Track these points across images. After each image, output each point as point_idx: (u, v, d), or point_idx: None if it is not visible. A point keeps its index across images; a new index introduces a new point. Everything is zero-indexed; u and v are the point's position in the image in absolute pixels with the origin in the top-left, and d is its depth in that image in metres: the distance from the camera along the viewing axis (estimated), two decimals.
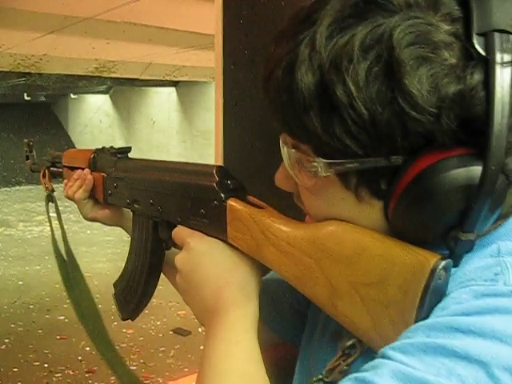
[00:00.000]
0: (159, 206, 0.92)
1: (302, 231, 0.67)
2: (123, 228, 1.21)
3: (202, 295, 0.75)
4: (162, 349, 4.84)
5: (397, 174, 0.56)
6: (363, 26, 0.53)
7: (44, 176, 1.40)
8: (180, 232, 0.83)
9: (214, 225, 0.78)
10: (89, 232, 8.64)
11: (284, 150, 0.66)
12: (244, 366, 0.63)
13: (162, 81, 11.33)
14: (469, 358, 0.47)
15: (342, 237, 0.62)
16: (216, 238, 0.77)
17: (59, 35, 5.98)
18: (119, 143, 15.03)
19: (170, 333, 5.19)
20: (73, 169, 1.26)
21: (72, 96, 16.27)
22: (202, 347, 0.71)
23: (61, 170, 1.34)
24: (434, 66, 0.51)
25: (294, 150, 0.64)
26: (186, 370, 4.28)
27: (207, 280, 0.74)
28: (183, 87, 12.55)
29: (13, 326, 5.29)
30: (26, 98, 14.78)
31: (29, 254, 7.83)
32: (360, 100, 0.53)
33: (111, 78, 10.39)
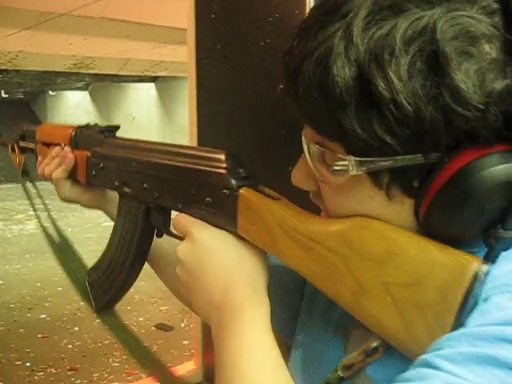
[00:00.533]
0: (155, 191, 0.85)
1: (326, 226, 0.63)
2: (104, 211, 1.13)
3: (207, 290, 0.70)
4: (144, 344, 4.83)
5: (433, 172, 0.54)
6: (403, 18, 0.51)
7: (13, 150, 1.29)
8: (182, 221, 0.77)
9: (222, 215, 0.72)
10: (70, 230, 8.57)
11: (309, 148, 0.63)
12: (272, 372, 0.59)
13: (140, 76, 11.27)
14: None
15: (373, 234, 0.59)
16: (222, 228, 0.73)
17: (35, 31, 5.92)
18: None
19: (153, 328, 5.18)
20: (49, 145, 1.15)
21: (50, 93, 16.10)
22: (185, 342, 0.68)
23: (32, 145, 1.23)
24: (478, 61, 0.50)
25: (318, 147, 0.61)
26: (169, 365, 4.28)
27: (214, 275, 0.70)
28: (162, 82, 12.49)
29: None
30: (4, 95, 14.61)
31: (9, 252, 7.75)
32: (403, 95, 0.51)
33: (89, 74, 10.30)
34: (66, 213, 9.51)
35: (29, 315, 5.50)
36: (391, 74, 0.51)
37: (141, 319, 5.31)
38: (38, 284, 6.01)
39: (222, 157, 0.73)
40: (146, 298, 5.51)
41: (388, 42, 0.51)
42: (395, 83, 0.51)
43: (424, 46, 0.51)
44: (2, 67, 8.29)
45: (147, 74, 10.05)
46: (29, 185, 1.31)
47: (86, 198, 1.12)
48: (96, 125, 1.07)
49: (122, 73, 9.62)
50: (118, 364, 4.36)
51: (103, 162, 1.00)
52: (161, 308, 5.53)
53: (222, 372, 0.61)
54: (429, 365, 0.48)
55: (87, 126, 1.09)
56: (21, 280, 6.49)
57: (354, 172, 0.57)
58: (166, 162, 0.82)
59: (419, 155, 0.54)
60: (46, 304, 5.44)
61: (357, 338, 0.70)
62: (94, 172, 1.03)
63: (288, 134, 0.65)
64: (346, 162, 0.57)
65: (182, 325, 5.14)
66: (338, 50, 0.53)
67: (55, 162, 1.10)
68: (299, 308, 0.87)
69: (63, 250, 1.20)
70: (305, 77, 0.57)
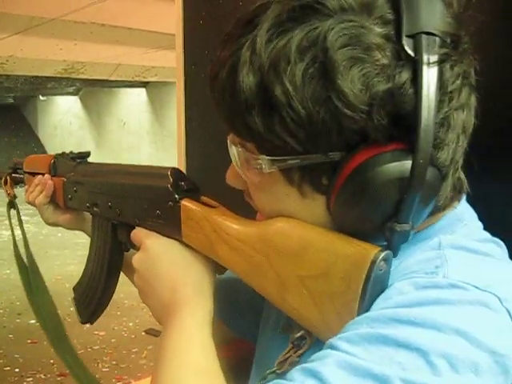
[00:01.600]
0: (117, 209, 0.93)
1: (251, 228, 0.69)
2: (85, 232, 1.20)
3: (157, 293, 0.77)
4: (134, 350, 4.82)
5: (336, 170, 0.58)
6: (300, 30, 0.56)
7: (6, 183, 1.39)
8: (137, 233, 0.84)
9: (169, 225, 0.79)
10: (60, 235, 8.55)
11: (232, 149, 0.68)
12: (197, 360, 0.64)
13: (131, 82, 11.27)
14: (409, 346, 0.50)
15: (288, 232, 0.64)
16: (171, 237, 0.79)
17: (25, 36, 5.92)
18: (90, 145, 14.89)
19: (143, 334, 5.17)
20: (34, 174, 1.26)
21: (41, 98, 16.08)
22: None
23: (22, 176, 1.34)
24: (366, 66, 0.54)
25: (241, 149, 0.66)
26: None
27: (162, 278, 0.76)
28: (153, 88, 12.49)
29: None
30: None
31: None
32: (297, 99, 0.55)
33: (80, 79, 10.29)
34: None
35: (18, 321, 5.47)
36: (286, 80, 0.56)
37: (131, 324, 5.31)
38: None
39: (167, 172, 0.80)
40: (135, 303, 5.50)
41: (285, 51, 0.56)
42: (290, 89, 0.55)
43: (316, 54, 0.55)
44: None
45: (138, 79, 10.06)
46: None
47: (66, 220, 1.20)
48: (71, 152, 1.17)
49: (112, 78, 9.63)
50: (107, 369, 4.36)
51: (76, 187, 1.09)
52: (151, 313, 5.53)
53: (157, 359, 0.68)
54: (330, 346, 0.54)
55: (63, 153, 1.19)
56: (10, 285, 6.45)
57: (267, 170, 0.62)
58: (124, 181, 0.90)
59: (319, 154, 0.58)
60: None
61: (295, 334, 0.74)
62: (69, 196, 1.13)
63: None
64: (260, 161, 0.62)
65: None
66: (244, 58, 0.59)
67: (38, 190, 1.20)
68: (253, 306, 0.92)
69: (33, 281, 1.29)
70: (219, 83, 0.63)
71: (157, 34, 5.71)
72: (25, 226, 1.36)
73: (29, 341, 4.94)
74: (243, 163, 0.67)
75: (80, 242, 8.01)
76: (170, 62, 7.57)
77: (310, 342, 0.69)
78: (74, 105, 15.77)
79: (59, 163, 1.18)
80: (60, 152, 1.20)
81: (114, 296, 1.05)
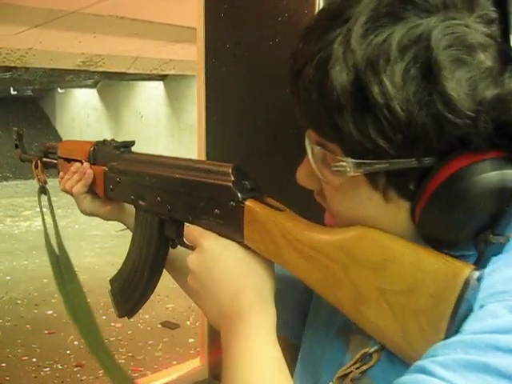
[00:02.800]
0: (168, 204, 0.89)
1: (326, 236, 0.65)
2: (124, 223, 1.17)
3: (216, 298, 0.73)
4: (150, 342, 4.85)
5: (427, 176, 0.56)
6: (400, 26, 0.53)
7: (36, 167, 1.35)
8: (193, 232, 0.80)
9: (230, 226, 0.75)
10: (77, 227, 8.61)
11: (310, 148, 0.65)
12: (273, 375, 0.62)
13: (149, 75, 11.29)
14: (511, 376, 0.47)
15: (370, 243, 0.61)
16: (230, 239, 0.75)
17: (45, 29, 5.93)
18: (107, 137, 14.91)
19: (159, 326, 5.19)
20: (69, 161, 1.21)
21: (59, 90, 16.16)
22: (191, 340, 0.70)
23: (55, 160, 1.29)
24: (472, 69, 0.51)
25: (320, 148, 0.63)
26: (175, 362, 4.29)
27: (222, 283, 0.72)
28: (170, 81, 12.51)
29: (0, 321, 5.27)
30: (13, 92, 14.67)
31: (16, 249, 7.79)
32: (396, 101, 0.52)
33: (98, 72, 10.33)
34: (73, 210, 9.51)
35: (35, 311, 5.53)
36: (386, 80, 0.52)
37: (147, 317, 5.33)
38: (45, 280, 6.04)
39: (229, 170, 0.75)
40: (152, 296, 5.52)
41: (384, 48, 0.53)
42: (389, 89, 0.52)
43: (419, 53, 0.52)
44: (12, 64, 8.31)
45: (156, 72, 10.06)
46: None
47: (105, 211, 1.17)
48: (113, 140, 1.12)
49: (130, 71, 9.64)
50: (123, 361, 4.38)
51: (119, 177, 1.05)
52: (167, 306, 5.55)
53: (226, 373, 0.64)
54: (423, 370, 0.50)
55: (104, 141, 1.14)
56: (28, 276, 6.52)
57: (352, 173, 0.59)
58: (177, 175, 0.85)
59: (413, 159, 0.55)
60: (53, 300, 5.46)
61: (356, 343, 0.71)
62: (111, 186, 1.08)
63: (297, 133, 0.65)
64: (344, 164, 0.59)
65: (188, 323, 5.16)
66: (336, 54, 0.55)
67: (75, 178, 1.16)
68: (307, 311, 0.89)
69: (63, 269, 1.25)
70: (305, 79, 0.59)
71: (175, 27, 5.70)
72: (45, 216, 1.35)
73: (46, 331, 4.99)
74: (321, 163, 0.64)
75: (97, 235, 8.08)
76: (188, 55, 7.59)
77: (376, 358, 0.66)
78: (92, 97, 15.84)
79: (100, 151, 1.14)
80: (100, 140, 1.16)
81: None
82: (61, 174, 1.23)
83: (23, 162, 1.45)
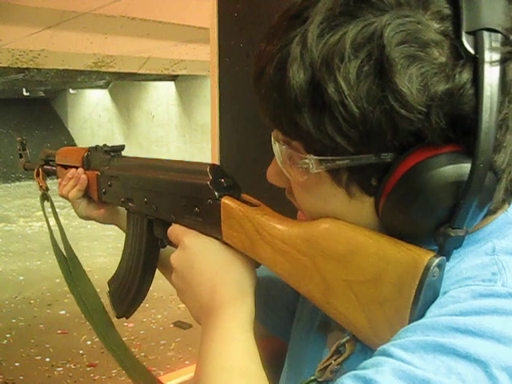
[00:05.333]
0: (153, 205, 0.91)
1: (296, 229, 0.67)
2: (118, 226, 1.20)
3: (197, 293, 0.75)
4: (162, 342, 4.86)
5: (387, 171, 0.56)
6: (354, 25, 0.53)
7: (38, 175, 1.39)
8: (175, 230, 0.83)
9: (208, 223, 0.78)
10: (89, 227, 8.65)
11: (276, 146, 0.66)
12: (243, 363, 0.63)
13: (160, 75, 11.31)
14: (468, 357, 0.48)
15: (335, 235, 0.62)
16: (210, 236, 0.78)
17: (57, 30, 5.97)
18: (119, 138, 15.02)
19: (171, 326, 5.21)
20: (66, 167, 1.26)
21: (71, 91, 16.23)
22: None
23: (54, 168, 1.34)
24: (424, 65, 0.52)
25: (285, 147, 0.64)
26: (187, 362, 4.30)
27: (202, 278, 0.75)
28: (182, 81, 12.53)
29: (14, 321, 5.30)
30: (25, 93, 14.74)
31: (29, 249, 7.84)
32: (351, 98, 0.53)
33: (110, 72, 10.37)
34: None
35: (48, 311, 5.56)
36: (340, 78, 0.53)
37: (159, 316, 5.35)
38: (58, 280, 6.06)
39: (206, 169, 0.78)
40: (164, 296, 5.54)
41: (339, 47, 0.53)
42: (343, 87, 0.53)
43: (372, 51, 0.52)
44: (24, 66, 8.36)
45: (167, 72, 10.08)
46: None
47: (99, 214, 1.21)
48: (105, 145, 1.15)
49: (141, 71, 9.66)
50: None
51: (110, 181, 1.09)
52: (179, 306, 5.56)
53: (199, 361, 0.66)
54: (383, 353, 0.52)
55: (96, 147, 1.18)
56: (41, 276, 6.56)
57: (314, 170, 0.60)
58: (161, 177, 0.89)
59: (371, 155, 0.56)
60: (66, 300, 5.49)
61: (333, 338, 0.73)
62: (104, 190, 1.13)
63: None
64: (307, 161, 0.60)
65: None
66: (294, 54, 0.56)
67: (71, 183, 1.20)
68: (287, 304, 0.92)
69: (72, 270, 1.28)
70: (266, 79, 0.60)
71: (187, 27, 5.72)
72: (53, 217, 1.36)
73: (59, 331, 5.02)
74: (287, 161, 0.65)
75: (110, 235, 8.11)
76: (200, 55, 7.61)
77: (351, 348, 0.67)
78: (104, 98, 15.90)
79: (93, 156, 1.18)
80: (93, 145, 1.20)
81: None
82: (59, 180, 1.27)
83: (26, 170, 1.50)
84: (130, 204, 1.01)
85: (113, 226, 1.23)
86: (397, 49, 0.51)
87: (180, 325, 5.19)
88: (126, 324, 4.96)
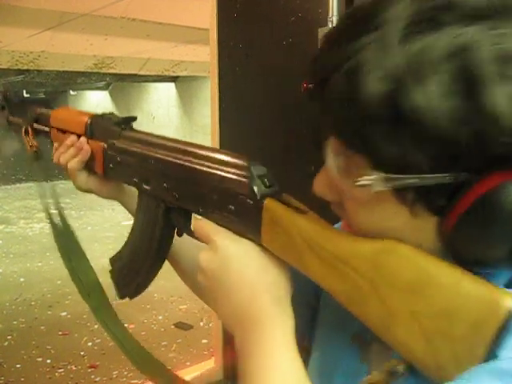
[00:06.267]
0: (175, 192, 0.82)
1: (353, 246, 0.61)
2: (121, 203, 1.10)
3: (231, 299, 0.69)
4: (163, 343, 4.85)
5: (460, 191, 0.52)
6: (443, 34, 0.49)
7: (26, 133, 1.23)
8: (205, 227, 0.75)
9: (245, 224, 0.70)
10: (89, 228, 8.63)
11: (332, 158, 0.60)
12: (297, 377, 0.60)
13: (160, 76, 11.32)
14: None
15: (402, 260, 0.57)
16: (245, 237, 0.71)
17: (57, 32, 5.98)
18: None
19: (172, 327, 5.19)
20: (64, 131, 1.12)
21: (71, 92, 16.25)
22: (204, 341, 0.69)
23: (47, 129, 1.18)
24: None
25: (344, 159, 0.59)
26: (188, 363, 4.29)
27: (237, 284, 0.68)
28: (182, 82, 12.53)
29: (15, 322, 5.30)
30: (25, 94, 14.75)
31: (30, 250, 7.83)
32: (436, 114, 0.49)
33: (110, 74, 10.37)
34: (86, 211, 9.57)
35: (49, 312, 5.55)
36: (424, 91, 0.49)
37: (160, 318, 5.33)
38: (59, 282, 6.06)
39: (245, 164, 0.70)
40: (165, 297, 5.53)
41: (425, 58, 0.49)
42: (428, 101, 0.49)
43: (462, 65, 0.48)
44: (24, 67, 8.37)
45: (167, 73, 10.09)
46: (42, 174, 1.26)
47: (103, 189, 1.09)
48: (112, 113, 1.04)
49: (142, 72, 9.67)
50: None
51: (120, 157, 0.97)
52: (180, 307, 5.55)
53: (246, 377, 0.62)
54: None
55: (103, 115, 1.05)
56: (41, 278, 6.55)
57: (379, 188, 0.55)
58: (187, 163, 0.79)
59: (447, 175, 0.52)
60: (67, 302, 5.49)
61: (375, 353, 0.69)
62: (111, 165, 1.00)
63: (310, 133, 0.63)
64: (371, 177, 0.55)
65: (201, 323, 5.15)
66: (370, 61, 0.52)
67: (70, 152, 1.07)
68: (309, 305, 0.87)
69: (70, 248, 1.19)
70: (334, 88, 0.55)
71: (187, 28, 5.72)
72: (55, 220, 1.27)
73: (60, 332, 5.00)
74: (345, 176, 0.59)
75: (110, 236, 8.10)
76: (200, 56, 7.61)
77: (403, 372, 0.63)
78: (104, 99, 15.90)
79: (97, 125, 1.04)
80: (98, 113, 1.07)
81: None
82: (55, 145, 1.13)
83: (11, 125, 1.33)
84: (144, 186, 0.90)
85: (113, 227, 1.21)
86: (491, 65, 0.48)
87: (181, 326, 5.18)
88: (126, 325, 4.94)
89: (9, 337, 4.98)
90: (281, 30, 1.26)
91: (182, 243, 0.97)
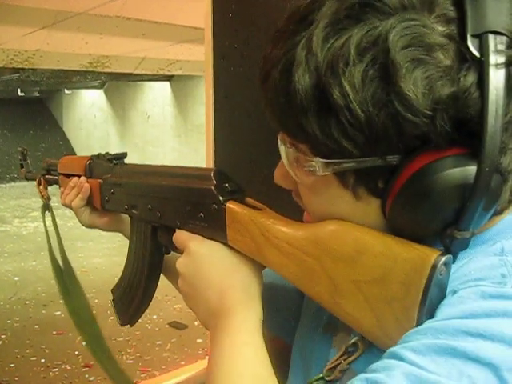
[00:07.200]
0: (158, 211, 0.91)
1: (302, 231, 0.67)
2: (122, 233, 1.20)
3: (204, 298, 0.75)
4: (158, 342, 4.86)
5: (394, 173, 0.57)
6: (359, 29, 0.53)
7: (39, 184, 1.39)
8: (180, 236, 0.83)
9: (214, 228, 0.78)
10: (84, 227, 8.63)
11: (282, 149, 0.66)
12: (254, 368, 0.63)
13: (156, 75, 11.30)
14: (479, 360, 0.48)
15: (343, 236, 0.63)
16: (216, 240, 0.77)
17: (52, 30, 5.96)
18: (114, 138, 15.01)
19: (167, 326, 5.21)
20: (69, 176, 1.25)
21: (66, 91, 16.19)
22: (199, 340, 0.71)
23: (56, 177, 1.33)
24: (429, 68, 0.52)
25: (291, 149, 0.64)
26: (183, 363, 4.30)
27: (209, 283, 0.74)
28: (177, 82, 12.52)
29: (9, 321, 5.30)
30: (20, 93, 14.69)
31: (24, 249, 7.83)
32: (356, 102, 0.53)
33: (105, 72, 10.34)
34: None
35: (44, 312, 5.55)
36: (345, 82, 0.54)
37: (154, 317, 5.34)
38: (53, 281, 6.04)
39: (210, 174, 0.78)
40: (159, 297, 5.53)
41: (343, 51, 0.54)
42: (349, 91, 0.53)
43: (377, 55, 0.53)
44: (19, 66, 8.34)
45: (162, 72, 10.07)
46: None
47: (103, 222, 1.21)
48: (107, 153, 1.16)
49: (137, 72, 9.65)
50: (131, 361, 4.40)
51: (113, 188, 1.08)
52: (175, 306, 5.56)
53: (210, 368, 0.66)
54: (394, 356, 0.51)
55: (99, 155, 1.18)
56: (36, 277, 6.55)
57: (321, 173, 0.60)
58: (164, 183, 0.89)
59: (377, 158, 0.56)
60: (61, 301, 5.44)
61: (340, 338, 0.73)
62: (106, 198, 1.12)
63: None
64: (314, 163, 0.61)
65: (196, 323, 5.15)
66: (299, 58, 0.57)
67: (74, 192, 1.20)
68: (291, 306, 0.92)
69: (69, 284, 1.33)
70: (272, 82, 0.61)
71: (182, 27, 5.71)
72: (48, 218, 1.37)
73: (54, 332, 5.01)
74: (294, 164, 0.65)
75: (104, 235, 8.09)
76: (195, 55, 7.60)
77: (362, 348, 0.67)
78: (99, 98, 15.88)
79: (95, 164, 1.18)
80: (95, 154, 1.20)
81: None
82: (61, 189, 1.27)
83: (28, 180, 1.50)
84: (133, 211, 1.00)
85: None
86: (402, 52, 0.52)
87: (175, 325, 5.19)
88: None
89: (3, 336, 4.98)
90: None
91: (172, 261, 1.01)
